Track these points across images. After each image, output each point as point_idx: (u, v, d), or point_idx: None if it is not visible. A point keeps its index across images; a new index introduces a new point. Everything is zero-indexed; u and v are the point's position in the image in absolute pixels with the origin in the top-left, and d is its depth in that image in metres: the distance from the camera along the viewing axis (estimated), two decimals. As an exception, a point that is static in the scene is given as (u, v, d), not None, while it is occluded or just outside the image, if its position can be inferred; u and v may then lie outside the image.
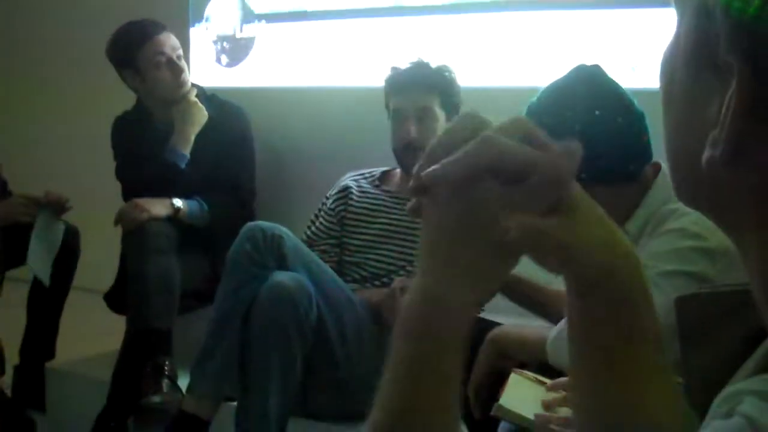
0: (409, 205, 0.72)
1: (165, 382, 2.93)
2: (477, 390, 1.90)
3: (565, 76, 1.83)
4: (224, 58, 3.92)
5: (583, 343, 0.71)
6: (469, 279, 0.67)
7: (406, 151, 2.84)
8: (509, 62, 3.26)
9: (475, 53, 3.32)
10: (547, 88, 1.84)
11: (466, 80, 2.99)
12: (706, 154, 0.52)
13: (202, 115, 3.21)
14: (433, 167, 0.67)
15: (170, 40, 3.21)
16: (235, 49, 3.90)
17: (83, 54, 4.12)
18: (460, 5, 3.44)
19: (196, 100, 3.21)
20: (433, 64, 2.89)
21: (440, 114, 2.82)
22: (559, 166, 0.66)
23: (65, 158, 4.65)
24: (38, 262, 3.22)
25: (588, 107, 1.75)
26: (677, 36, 0.56)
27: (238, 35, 3.88)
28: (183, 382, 2.85)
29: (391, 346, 0.68)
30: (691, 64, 0.55)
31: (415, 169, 0.70)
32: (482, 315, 2.68)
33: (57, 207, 3.27)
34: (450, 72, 2.89)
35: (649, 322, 0.70)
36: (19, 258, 3.21)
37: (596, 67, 1.83)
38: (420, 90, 2.82)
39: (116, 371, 3.00)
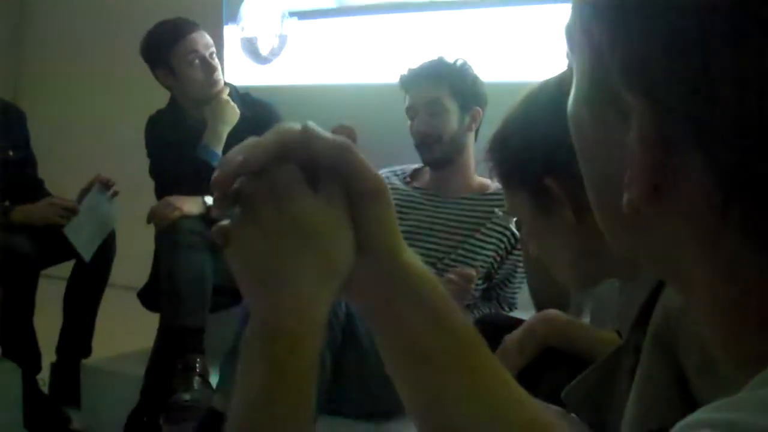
0: (214, 229, 0.71)
1: (196, 380, 2.90)
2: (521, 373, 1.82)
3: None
4: (257, 56, 3.91)
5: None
6: (307, 283, 0.67)
7: (422, 146, 2.84)
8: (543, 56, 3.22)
9: (513, 47, 3.30)
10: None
11: (500, 75, 2.96)
12: (625, 198, 0.50)
13: (233, 113, 3.20)
14: (232, 158, 0.68)
15: (203, 39, 3.20)
16: (267, 48, 3.89)
17: (117, 53, 4.17)
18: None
19: (227, 98, 3.20)
20: (449, 59, 2.85)
21: (451, 105, 2.79)
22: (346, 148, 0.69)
23: (99, 156, 4.62)
24: (80, 235, 3.24)
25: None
26: (576, 86, 0.54)
27: (271, 33, 3.87)
28: (215, 380, 2.82)
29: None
30: (594, 110, 0.52)
31: (213, 178, 0.69)
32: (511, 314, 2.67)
33: (107, 187, 3.33)
34: (463, 63, 2.85)
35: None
36: (53, 257, 3.26)
37: None
38: (428, 83, 2.80)
39: (149, 368, 3.03)
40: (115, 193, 3.33)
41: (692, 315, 0.54)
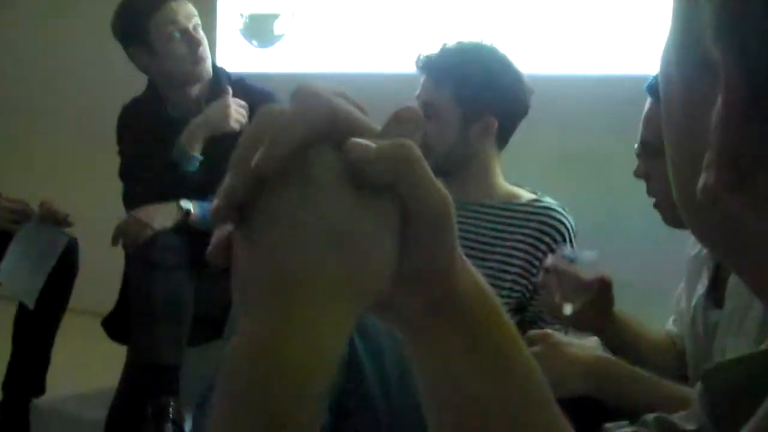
0: (211, 248, 0.59)
1: (168, 427, 2.73)
2: None
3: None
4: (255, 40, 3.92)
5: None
6: (328, 299, 0.54)
7: None
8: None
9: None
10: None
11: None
12: (700, 182, 0.43)
13: (226, 122, 2.90)
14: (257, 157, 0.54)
15: (185, 8, 2.97)
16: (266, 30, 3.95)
17: (91, 30, 3.96)
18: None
19: (230, 104, 2.93)
20: (468, 48, 2.52)
21: (449, 112, 2.45)
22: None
23: (63, 160, 4.60)
24: (18, 279, 3.04)
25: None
26: (667, 43, 0.49)
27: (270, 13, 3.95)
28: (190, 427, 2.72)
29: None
30: (683, 60, 0.47)
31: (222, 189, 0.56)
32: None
33: (53, 221, 3.11)
34: (477, 60, 2.49)
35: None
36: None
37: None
38: (430, 78, 2.48)
39: (112, 411, 2.84)
40: (68, 224, 3.11)
41: None
